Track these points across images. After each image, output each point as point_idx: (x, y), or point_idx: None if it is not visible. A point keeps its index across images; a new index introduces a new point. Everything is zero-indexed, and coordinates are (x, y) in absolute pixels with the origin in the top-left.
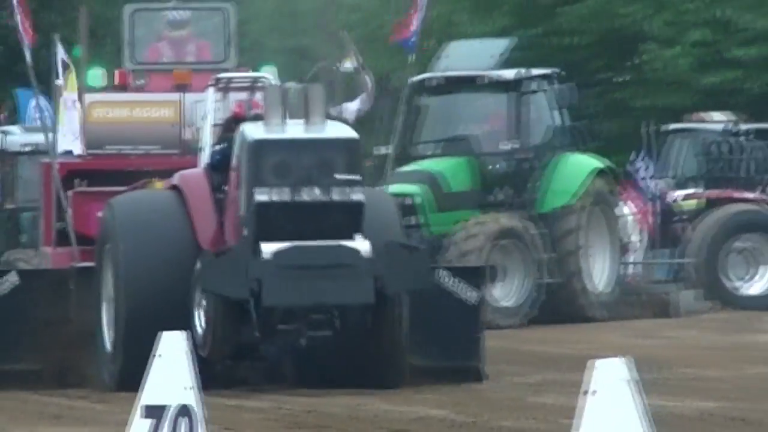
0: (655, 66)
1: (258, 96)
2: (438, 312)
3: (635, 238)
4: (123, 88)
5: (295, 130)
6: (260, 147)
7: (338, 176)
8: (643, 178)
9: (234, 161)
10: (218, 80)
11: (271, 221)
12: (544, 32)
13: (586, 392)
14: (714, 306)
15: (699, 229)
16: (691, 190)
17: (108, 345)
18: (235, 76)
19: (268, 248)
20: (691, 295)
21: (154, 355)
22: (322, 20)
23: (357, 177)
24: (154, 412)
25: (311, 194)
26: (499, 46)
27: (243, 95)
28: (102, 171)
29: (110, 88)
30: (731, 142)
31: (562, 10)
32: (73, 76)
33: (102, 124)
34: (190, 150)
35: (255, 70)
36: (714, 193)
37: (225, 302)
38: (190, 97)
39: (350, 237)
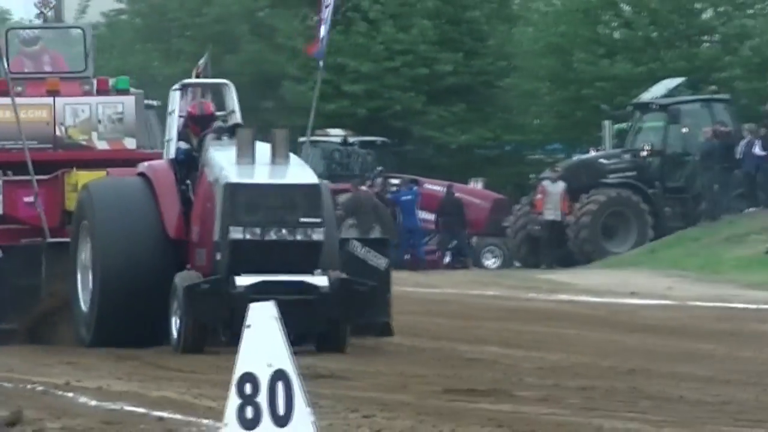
0: (293, 96)
1: (209, 99)
2: (355, 276)
3: None
4: (5, 93)
5: (263, 173)
6: (235, 190)
7: (302, 219)
8: None
9: (203, 170)
10: (184, 85)
11: (243, 256)
12: None
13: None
14: None
15: None
16: None
17: (83, 306)
18: (196, 82)
19: (241, 282)
20: None
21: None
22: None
23: (318, 219)
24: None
25: (278, 234)
26: None
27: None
28: None
29: None
30: (345, 150)
31: None
32: None
33: None
34: (62, 145)
35: (114, 81)
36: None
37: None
38: (60, 101)
39: (310, 272)
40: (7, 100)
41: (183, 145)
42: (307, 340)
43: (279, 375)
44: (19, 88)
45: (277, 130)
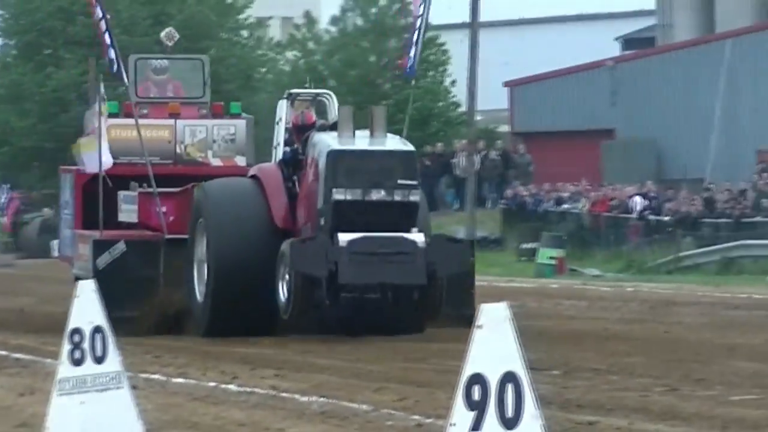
0: None
1: (312, 110)
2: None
3: None
4: (130, 115)
5: (363, 142)
6: (337, 156)
7: (400, 182)
8: None
9: (309, 160)
10: (290, 95)
11: (345, 215)
12: None
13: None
14: None
15: None
16: None
17: (199, 297)
18: (302, 92)
19: (343, 237)
20: None
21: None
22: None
23: (414, 182)
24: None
25: (378, 194)
26: None
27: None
28: (119, 176)
29: (122, 115)
30: None
31: None
32: (105, 107)
33: (117, 141)
34: (182, 161)
35: (226, 106)
36: None
37: (305, 278)
38: (180, 123)
39: (408, 230)
40: (132, 121)
41: (287, 148)
42: (403, 303)
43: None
44: (144, 111)
45: (375, 107)
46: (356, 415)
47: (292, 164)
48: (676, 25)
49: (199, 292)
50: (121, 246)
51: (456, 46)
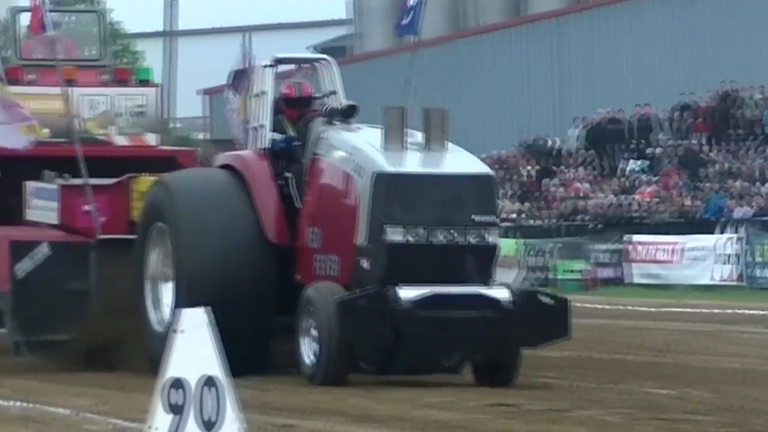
0: None
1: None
2: None
3: None
4: (16, 81)
5: (421, 160)
6: (390, 181)
7: (475, 218)
8: None
9: (315, 157)
10: (279, 60)
11: (403, 262)
12: None
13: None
14: None
15: None
16: None
17: (155, 326)
18: (296, 56)
19: (405, 294)
20: None
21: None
22: None
23: (493, 218)
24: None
25: (447, 236)
26: None
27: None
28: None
29: (5, 83)
30: None
31: None
32: None
33: None
34: (78, 139)
35: (133, 70)
36: None
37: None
38: (77, 91)
39: (485, 282)
40: (19, 89)
41: (277, 135)
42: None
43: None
44: (32, 76)
45: (432, 109)
46: (55, 419)
47: (285, 155)
48: (368, 35)
49: (155, 319)
50: (44, 249)
51: (153, 54)
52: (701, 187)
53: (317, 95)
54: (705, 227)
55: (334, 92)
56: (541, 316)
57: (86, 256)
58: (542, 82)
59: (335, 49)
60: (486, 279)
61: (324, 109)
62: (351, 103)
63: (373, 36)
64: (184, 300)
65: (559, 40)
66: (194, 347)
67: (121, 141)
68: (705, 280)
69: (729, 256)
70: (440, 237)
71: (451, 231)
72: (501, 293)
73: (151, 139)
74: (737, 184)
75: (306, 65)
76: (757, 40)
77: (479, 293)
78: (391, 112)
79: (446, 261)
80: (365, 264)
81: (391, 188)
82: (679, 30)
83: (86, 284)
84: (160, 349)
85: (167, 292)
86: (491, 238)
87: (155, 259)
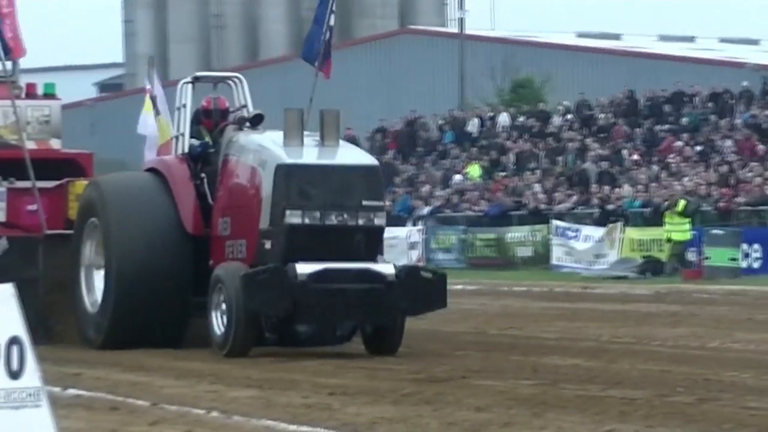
0: None
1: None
2: None
3: None
4: None
5: (316, 154)
6: (289, 171)
7: (364, 203)
8: None
9: (226, 159)
10: (197, 77)
11: (300, 242)
12: None
13: None
14: None
15: None
16: None
17: (89, 307)
18: (212, 74)
19: (302, 269)
20: None
21: None
22: None
23: (380, 203)
24: None
25: (339, 218)
26: None
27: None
28: None
29: None
30: None
31: None
32: None
33: None
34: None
35: (39, 86)
36: None
37: (254, 314)
38: None
39: (373, 260)
40: None
41: (194, 141)
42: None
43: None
44: None
45: (326, 111)
46: None
47: (201, 159)
48: (138, 74)
49: (89, 302)
50: (3, 243)
51: None
52: (395, 191)
53: (237, 111)
54: (399, 221)
55: (244, 106)
56: (423, 289)
57: (36, 248)
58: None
59: (114, 85)
60: (374, 256)
61: (234, 117)
62: (258, 112)
63: (141, 75)
64: (112, 284)
65: (286, 81)
66: (2, 314)
67: (30, 145)
68: (401, 263)
69: (415, 243)
70: (333, 219)
71: (343, 214)
72: (387, 268)
73: (55, 143)
74: (422, 189)
75: (220, 83)
76: (435, 80)
77: (368, 268)
78: (290, 113)
79: (338, 240)
80: (267, 245)
81: (291, 177)
82: (377, 71)
83: (36, 272)
84: (90, 326)
85: (99, 278)
86: (378, 220)
87: (89, 249)
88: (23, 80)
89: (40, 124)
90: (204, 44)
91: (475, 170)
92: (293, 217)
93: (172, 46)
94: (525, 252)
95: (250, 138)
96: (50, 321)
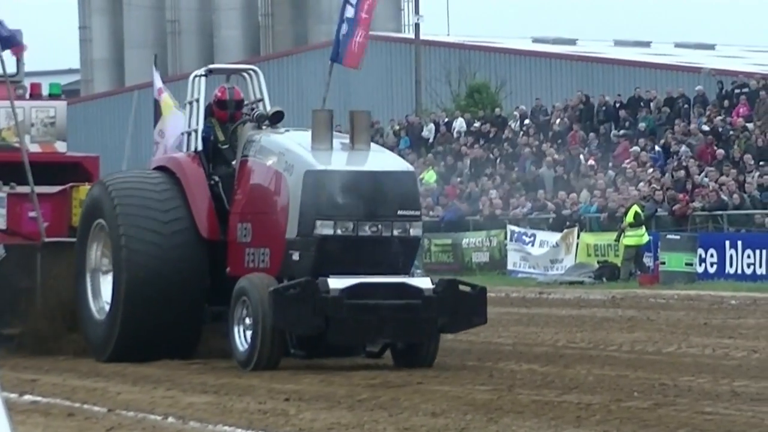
0: None
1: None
2: None
3: None
4: None
5: (348, 159)
6: (319, 178)
7: (400, 212)
8: None
9: (245, 160)
10: (210, 70)
11: (332, 254)
12: None
13: None
14: None
15: None
16: None
17: (95, 314)
18: (227, 66)
19: (334, 284)
20: None
21: None
22: None
23: (416, 212)
24: None
25: (374, 229)
26: None
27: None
28: None
29: None
30: None
31: None
32: None
33: None
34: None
35: (44, 86)
36: None
37: (278, 329)
38: None
39: (408, 273)
40: None
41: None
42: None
43: None
44: None
45: (357, 112)
46: None
47: (213, 157)
48: (95, 80)
49: (95, 307)
50: (0, 251)
51: None
52: None
53: (253, 106)
54: None
55: (261, 99)
56: (462, 304)
57: (34, 257)
58: None
59: (71, 91)
60: (409, 269)
61: (252, 114)
62: (277, 109)
63: (97, 81)
64: (121, 291)
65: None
66: None
67: (33, 148)
68: None
69: None
70: (367, 230)
71: (378, 224)
72: (424, 282)
73: (60, 146)
74: None
75: (234, 74)
76: (391, 85)
77: (403, 283)
78: (319, 115)
79: (372, 253)
80: (295, 256)
81: (321, 185)
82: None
83: (34, 282)
84: (98, 334)
85: (106, 283)
86: (414, 230)
87: (95, 253)
88: None
89: (45, 126)
90: (160, 50)
91: (430, 176)
92: (324, 228)
93: (128, 51)
94: (481, 257)
95: (271, 139)
96: (49, 334)
